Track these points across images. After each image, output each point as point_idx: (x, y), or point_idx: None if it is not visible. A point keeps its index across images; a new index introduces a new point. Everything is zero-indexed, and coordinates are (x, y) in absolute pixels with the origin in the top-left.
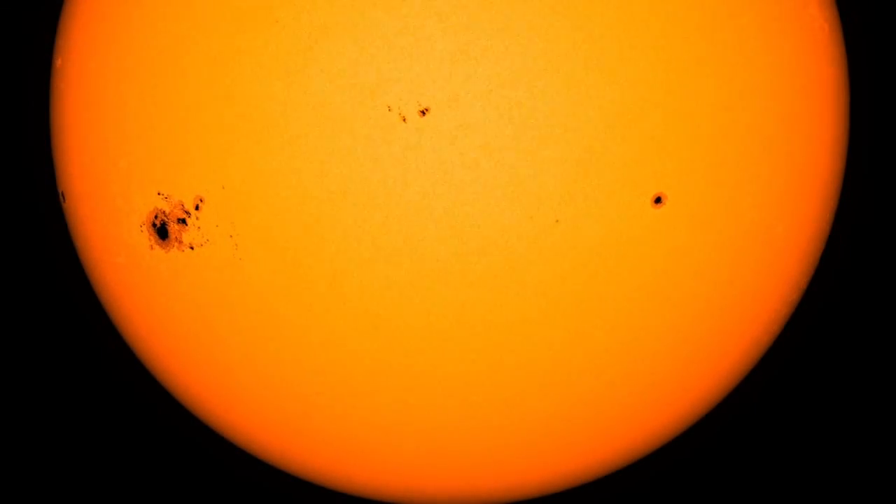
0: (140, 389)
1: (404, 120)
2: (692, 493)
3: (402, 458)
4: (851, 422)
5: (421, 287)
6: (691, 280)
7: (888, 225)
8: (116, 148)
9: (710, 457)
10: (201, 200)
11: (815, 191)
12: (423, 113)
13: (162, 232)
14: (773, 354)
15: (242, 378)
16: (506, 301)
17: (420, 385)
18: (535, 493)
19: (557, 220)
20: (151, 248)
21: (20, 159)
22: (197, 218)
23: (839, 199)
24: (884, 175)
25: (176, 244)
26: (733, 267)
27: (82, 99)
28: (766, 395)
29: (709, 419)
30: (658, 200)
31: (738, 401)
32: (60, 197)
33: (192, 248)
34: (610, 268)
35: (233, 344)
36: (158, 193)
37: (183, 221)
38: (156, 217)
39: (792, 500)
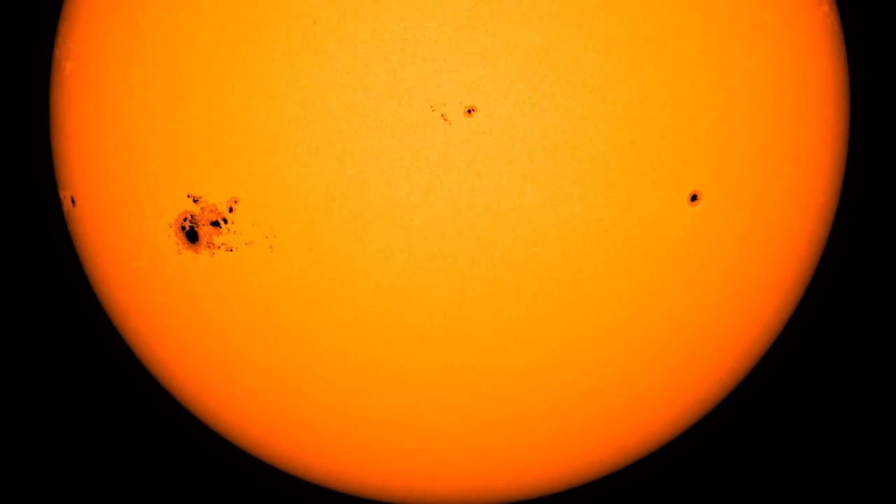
0: (140, 389)
1: (446, 120)
2: (692, 493)
3: (403, 459)
4: (851, 422)
5: (461, 287)
6: (720, 278)
7: (888, 225)
8: (143, 151)
9: (710, 457)
10: (235, 202)
11: (824, 186)
12: (470, 112)
13: (191, 235)
14: (773, 354)
15: (254, 379)
16: (543, 301)
17: (425, 385)
18: (536, 493)
19: (600, 220)
20: (179, 252)
21: (18, 163)
22: (233, 222)
23: (839, 198)
24: (884, 175)
25: (206, 247)
26: (758, 264)
27: (100, 103)
28: (766, 395)
29: (709, 419)
30: (694, 198)
31: (739, 401)
32: (70, 201)
33: (230, 250)
34: (649, 266)
35: (255, 346)
36: (188, 196)
37: (216, 224)
38: (185, 220)
39: (792, 500)
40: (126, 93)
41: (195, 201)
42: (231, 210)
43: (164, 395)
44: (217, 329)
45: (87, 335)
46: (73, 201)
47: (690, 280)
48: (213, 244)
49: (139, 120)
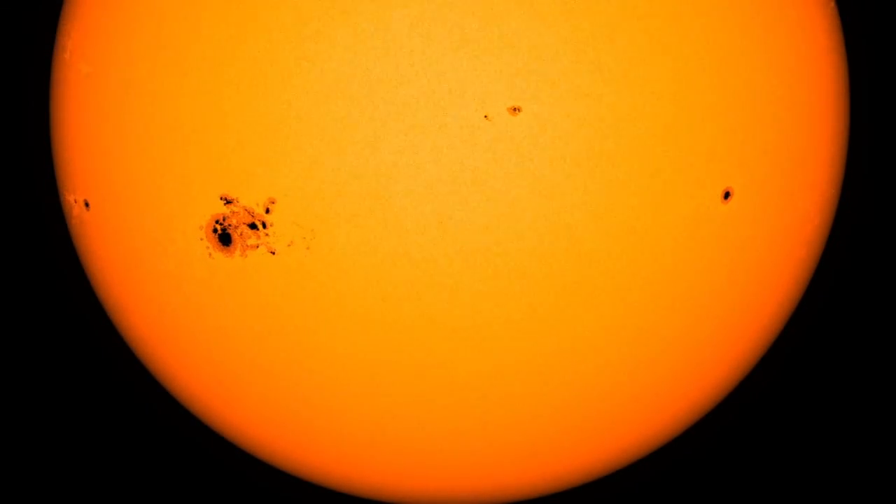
0: (140, 389)
1: (488, 118)
2: (692, 493)
3: (402, 459)
4: (851, 422)
5: (500, 288)
6: (740, 276)
7: (888, 225)
8: (173, 152)
9: (710, 457)
10: (273, 202)
11: (833, 181)
12: (516, 111)
13: (224, 238)
14: (773, 354)
15: (267, 381)
16: (575, 298)
17: (426, 385)
18: (535, 493)
19: (640, 219)
20: (210, 255)
21: (16, 168)
22: (272, 224)
23: (839, 198)
24: (883, 175)
25: (241, 250)
26: (777, 261)
27: (124, 104)
28: (766, 395)
29: (709, 419)
30: (727, 195)
31: (738, 401)
32: (83, 205)
33: (273, 252)
34: (684, 265)
35: (275, 349)
36: (221, 197)
37: (254, 226)
38: (217, 223)
39: (792, 500)
40: (154, 93)
41: (228, 203)
42: (268, 211)
43: (164, 395)
44: (236, 331)
45: (86, 336)
46: (86, 204)
47: (715, 278)
48: (250, 246)
49: (168, 120)
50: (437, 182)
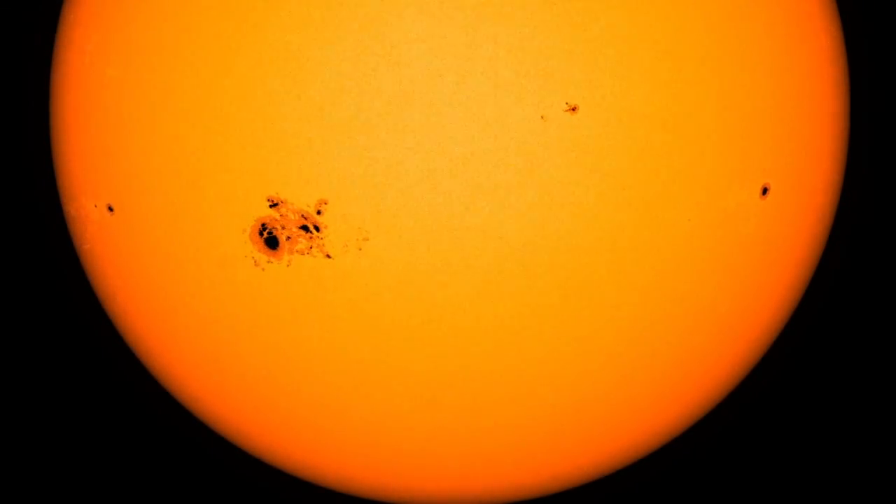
0: (140, 390)
1: (545, 119)
2: (692, 493)
3: (402, 458)
4: (851, 422)
5: (550, 288)
6: (761, 273)
7: (888, 225)
8: (216, 153)
9: (710, 457)
10: (324, 203)
11: (839, 180)
12: (574, 110)
13: (271, 241)
14: (773, 354)
15: (264, 382)
16: (609, 298)
17: (426, 385)
18: (536, 492)
19: (689, 219)
20: (256, 263)
21: (22, 172)
22: (326, 226)
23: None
24: (883, 175)
25: (287, 253)
26: (795, 259)
27: (161, 106)
28: (766, 395)
29: (709, 419)
30: (765, 191)
31: (739, 401)
32: (106, 209)
33: (328, 256)
34: (723, 262)
35: (294, 352)
36: (268, 199)
37: (306, 229)
38: (263, 226)
39: (792, 500)
40: (193, 91)
41: (274, 205)
42: (319, 213)
43: (165, 396)
44: (272, 336)
45: (87, 338)
46: (110, 209)
47: (739, 275)
48: (299, 250)
49: (210, 119)
50: (494, 182)
